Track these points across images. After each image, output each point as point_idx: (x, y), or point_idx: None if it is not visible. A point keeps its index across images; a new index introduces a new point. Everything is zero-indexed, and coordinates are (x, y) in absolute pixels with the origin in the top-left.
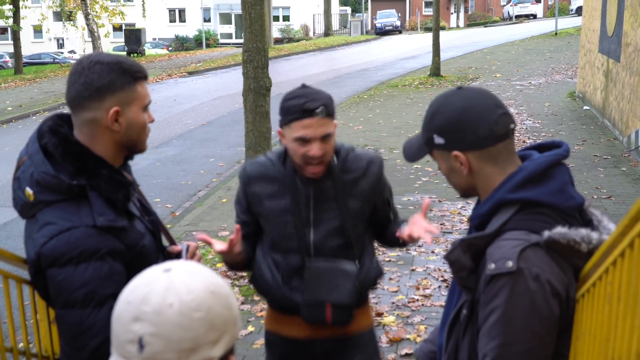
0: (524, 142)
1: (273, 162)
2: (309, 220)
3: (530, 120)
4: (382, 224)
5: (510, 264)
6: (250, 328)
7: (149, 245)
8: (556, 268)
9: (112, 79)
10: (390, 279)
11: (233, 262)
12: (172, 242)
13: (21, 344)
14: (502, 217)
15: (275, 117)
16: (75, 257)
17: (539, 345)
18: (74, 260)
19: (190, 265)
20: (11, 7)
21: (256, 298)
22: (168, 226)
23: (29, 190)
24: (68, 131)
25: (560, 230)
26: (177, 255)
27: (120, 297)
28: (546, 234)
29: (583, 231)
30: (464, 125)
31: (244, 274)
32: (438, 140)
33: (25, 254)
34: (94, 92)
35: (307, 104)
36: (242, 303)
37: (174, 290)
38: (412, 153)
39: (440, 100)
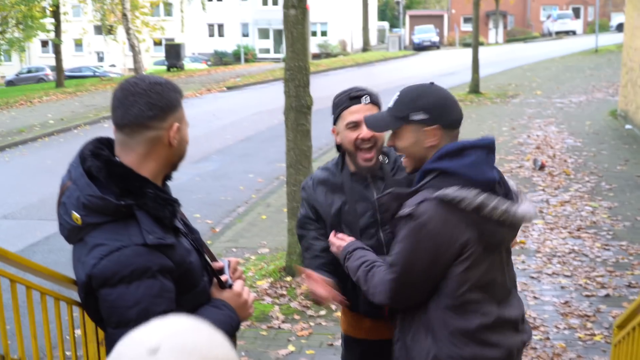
0: (564, 161)
1: (333, 172)
2: (376, 220)
3: (571, 139)
4: None
5: (407, 210)
6: (291, 347)
7: (195, 262)
8: (449, 217)
9: (171, 98)
10: None
11: None
12: (213, 259)
13: None
14: (424, 180)
15: (315, 133)
16: (127, 276)
17: (419, 272)
18: (125, 279)
19: (183, 342)
20: (53, 20)
21: (296, 317)
22: (208, 242)
23: (76, 214)
24: (109, 154)
25: (448, 190)
26: (220, 271)
27: None
28: (444, 190)
29: (472, 193)
30: (448, 107)
31: (284, 292)
32: (418, 116)
33: (75, 277)
34: (159, 111)
35: (352, 93)
36: (283, 322)
37: None
38: (381, 125)
39: (419, 88)
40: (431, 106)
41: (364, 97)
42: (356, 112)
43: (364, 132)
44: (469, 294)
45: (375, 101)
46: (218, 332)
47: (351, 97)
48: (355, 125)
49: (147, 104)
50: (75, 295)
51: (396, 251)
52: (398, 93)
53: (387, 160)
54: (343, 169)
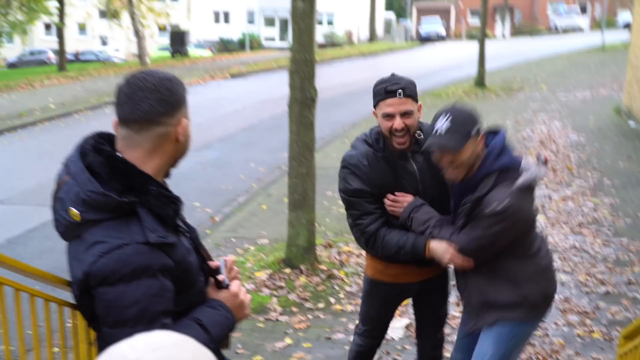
0: (567, 156)
1: (375, 147)
2: (418, 191)
3: (574, 134)
4: None
5: (499, 207)
6: (288, 340)
7: (194, 261)
8: (529, 199)
9: (179, 93)
10: None
11: None
12: (209, 258)
13: None
14: (490, 181)
15: (318, 123)
16: (127, 274)
17: (495, 248)
18: (125, 278)
19: (166, 357)
20: (57, 4)
21: (294, 309)
22: (207, 231)
23: (74, 210)
24: (111, 149)
25: (524, 177)
26: (216, 271)
27: None
28: (519, 182)
29: (530, 171)
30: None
31: (283, 284)
32: (475, 130)
33: (70, 275)
34: (169, 107)
35: (388, 87)
36: (281, 314)
37: None
38: (455, 144)
39: (463, 108)
40: (478, 119)
41: (398, 92)
42: (390, 105)
43: (397, 123)
44: (536, 244)
45: (409, 93)
46: (202, 348)
47: (387, 91)
48: (389, 116)
49: (158, 100)
50: (65, 296)
51: (475, 235)
52: (448, 116)
53: (422, 135)
54: (385, 146)
